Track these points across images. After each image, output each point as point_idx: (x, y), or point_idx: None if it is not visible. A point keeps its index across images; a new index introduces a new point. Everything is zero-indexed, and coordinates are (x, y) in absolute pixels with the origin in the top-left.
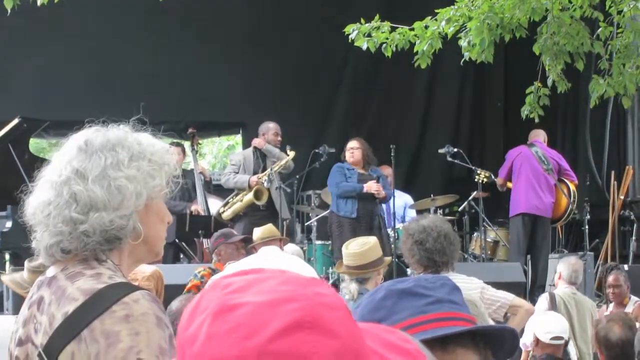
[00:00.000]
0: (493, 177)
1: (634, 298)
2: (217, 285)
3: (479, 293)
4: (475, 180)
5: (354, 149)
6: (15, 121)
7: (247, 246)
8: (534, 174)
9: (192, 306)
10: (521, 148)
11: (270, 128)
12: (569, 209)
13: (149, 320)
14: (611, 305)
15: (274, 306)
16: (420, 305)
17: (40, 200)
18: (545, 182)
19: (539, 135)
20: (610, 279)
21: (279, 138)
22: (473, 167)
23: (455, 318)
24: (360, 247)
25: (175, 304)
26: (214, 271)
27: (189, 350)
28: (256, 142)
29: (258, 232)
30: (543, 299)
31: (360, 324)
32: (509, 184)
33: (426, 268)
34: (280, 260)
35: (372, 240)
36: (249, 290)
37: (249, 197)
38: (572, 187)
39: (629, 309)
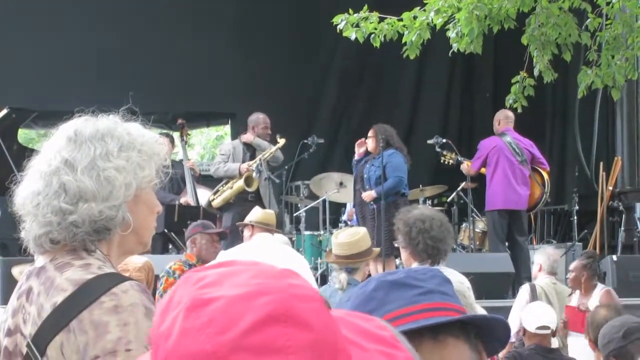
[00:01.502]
0: (460, 158)
1: (600, 286)
2: (189, 279)
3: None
4: (442, 161)
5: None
6: (4, 111)
7: (222, 241)
8: (510, 167)
9: (165, 301)
10: (495, 140)
11: (259, 121)
12: (542, 198)
13: (138, 311)
14: (577, 293)
15: (246, 300)
16: (411, 295)
17: (30, 190)
18: (520, 174)
19: (508, 121)
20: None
21: (269, 131)
22: (460, 158)
23: (446, 308)
24: (350, 237)
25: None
26: (185, 263)
27: (163, 346)
28: (244, 138)
29: (258, 214)
30: (524, 291)
31: (335, 311)
32: (483, 170)
33: (429, 256)
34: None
35: (362, 230)
36: (222, 284)
37: (240, 183)
38: (545, 176)
39: (595, 296)
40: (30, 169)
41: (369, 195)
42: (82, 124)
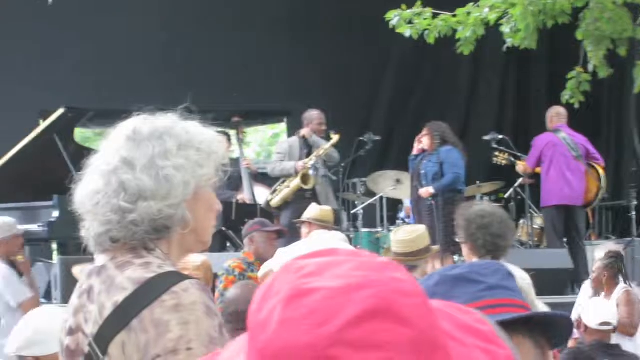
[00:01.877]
0: (512, 159)
1: (621, 285)
2: (290, 268)
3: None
4: (494, 162)
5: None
6: (60, 111)
7: (280, 238)
8: (565, 163)
9: (264, 290)
10: (549, 136)
11: (314, 117)
12: (599, 194)
13: (199, 310)
14: (602, 294)
15: (347, 292)
16: (474, 291)
17: (89, 189)
18: (577, 170)
19: (561, 117)
20: None
21: (323, 127)
22: (512, 159)
23: (510, 304)
24: (408, 235)
25: (231, 292)
26: (243, 261)
27: (261, 336)
28: (304, 131)
29: (316, 211)
30: (587, 286)
31: (434, 302)
32: (537, 170)
33: (489, 252)
34: (332, 247)
35: (421, 228)
36: (322, 274)
37: (296, 182)
38: (601, 171)
39: (615, 296)
40: (89, 168)
41: (426, 191)
42: (141, 123)
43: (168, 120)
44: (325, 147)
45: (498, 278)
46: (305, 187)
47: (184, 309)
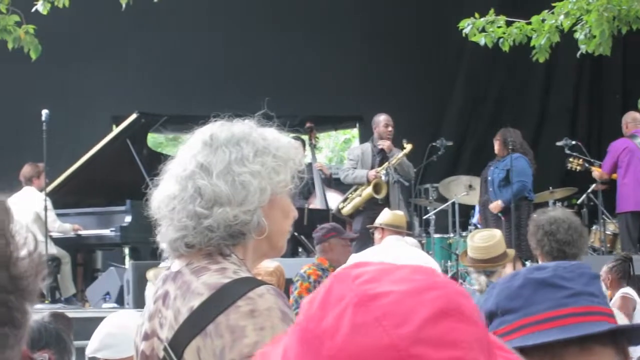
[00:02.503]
0: (587, 165)
1: (621, 290)
2: (345, 276)
3: None
4: (568, 167)
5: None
6: (133, 116)
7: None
8: None
9: (320, 298)
10: (625, 142)
11: (379, 121)
12: None
13: (274, 315)
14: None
15: (417, 294)
16: (557, 297)
17: (165, 194)
18: None
19: (637, 123)
20: None
21: (390, 129)
22: (587, 164)
23: (593, 312)
24: (486, 241)
25: (307, 297)
26: (318, 267)
27: (328, 343)
28: (383, 145)
29: (388, 216)
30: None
31: None
32: (613, 176)
33: (555, 259)
34: (404, 252)
35: (497, 234)
36: (382, 280)
37: (368, 191)
38: None
39: (614, 300)
40: (165, 173)
41: (495, 206)
42: (217, 129)
43: (245, 127)
44: (397, 157)
45: (583, 283)
46: (377, 197)
47: (259, 314)
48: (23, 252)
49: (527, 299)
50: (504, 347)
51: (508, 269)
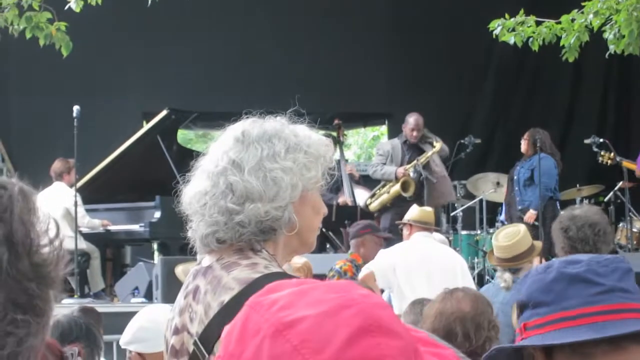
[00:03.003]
0: (618, 159)
1: None
2: (259, 305)
3: None
4: (599, 161)
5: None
6: (164, 112)
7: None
8: None
9: (237, 331)
10: None
11: (408, 122)
12: None
13: None
14: None
15: (333, 315)
16: (590, 294)
17: (197, 190)
18: None
19: None
20: None
21: (415, 133)
22: (618, 158)
23: (626, 310)
24: (509, 240)
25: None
26: (352, 262)
27: None
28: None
29: (416, 212)
30: None
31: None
32: None
33: (567, 255)
34: (432, 248)
35: (522, 229)
36: (296, 304)
37: (396, 188)
38: None
39: None
40: (197, 169)
41: (530, 216)
42: (249, 125)
43: (277, 123)
44: (427, 155)
45: (616, 278)
46: (405, 195)
47: None
48: (44, 240)
49: (559, 294)
50: (430, 342)
51: (535, 263)
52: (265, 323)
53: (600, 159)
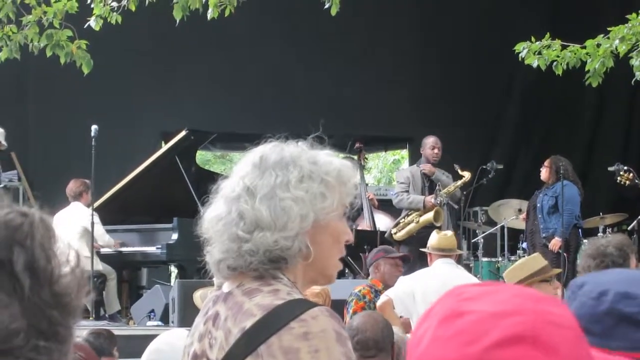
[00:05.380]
0: (637, 181)
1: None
2: (452, 293)
3: None
4: (617, 181)
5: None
6: (183, 133)
7: (406, 264)
8: None
9: (427, 310)
10: None
11: (427, 143)
12: None
13: (329, 337)
14: None
15: (498, 317)
16: (637, 338)
17: (214, 214)
18: None
19: None
20: None
21: (436, 151)
22: (637, 180)
23: None
24: (515, 264)
25: (356, 320)
26: (371, 287)
27: (415, 351)
28: (425, 168)
29: (435, 239)
30: None
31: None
32: None
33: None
34: (450, 275)
35: (531, 257)
36: (481, 299)
37: (427, 217)
38: None
39: None
40: (218, 193)
41: (555, 244)
42: (269, 150)
43: (296, 149)
44: (457, 185)
45: None
46: (436, 224)
47: (313, 336)
48: (65, 269)
49: (607, 330)
50: None
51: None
52: (444, 308)
53: (619, 179)
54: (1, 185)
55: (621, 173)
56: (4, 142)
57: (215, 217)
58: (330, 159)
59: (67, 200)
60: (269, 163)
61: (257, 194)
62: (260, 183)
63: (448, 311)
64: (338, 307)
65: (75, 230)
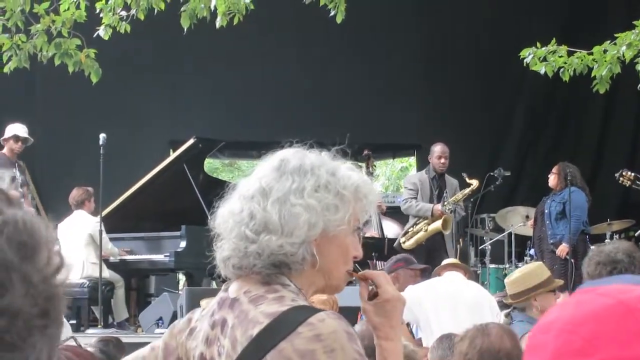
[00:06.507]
0: (638, 182)
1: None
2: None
3: None
4: (620, 182)
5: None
6: (191, 141)
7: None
8: None
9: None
10: None
11: (434, 151)
12: None
13: (341, 337)
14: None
15: None
16: None
17: (228, 210)
18: None
19: None
20: None
21: (442, 160)
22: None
23: None
24: (514, 275)
25: (358, 327)
26: None
27: None
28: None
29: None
30: None
31: None
32: None
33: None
34: (458, 286)
35: (532, 266)
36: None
37: (436, 226)
38: None
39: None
40: (235, 190)
41: (562, 250)
42: (290, 155)
43: (317, 158)
44: (465, 193)
45: None
46: (445, 232)
47: (326, 337)
48: (42, 274)
49: None
50: None
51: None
52: (608, 299)
53: (621, 179)
54: (20, 190)
55: (623, 173)
56: (28, 137)
57: (228, 213)
58: (350, 174)
59: (71, 210)
60: (288, 168)
61: (270, 197)
62: (276, 186)
63: (618, 301)
64: (345, 314)
65: (80, 238)
